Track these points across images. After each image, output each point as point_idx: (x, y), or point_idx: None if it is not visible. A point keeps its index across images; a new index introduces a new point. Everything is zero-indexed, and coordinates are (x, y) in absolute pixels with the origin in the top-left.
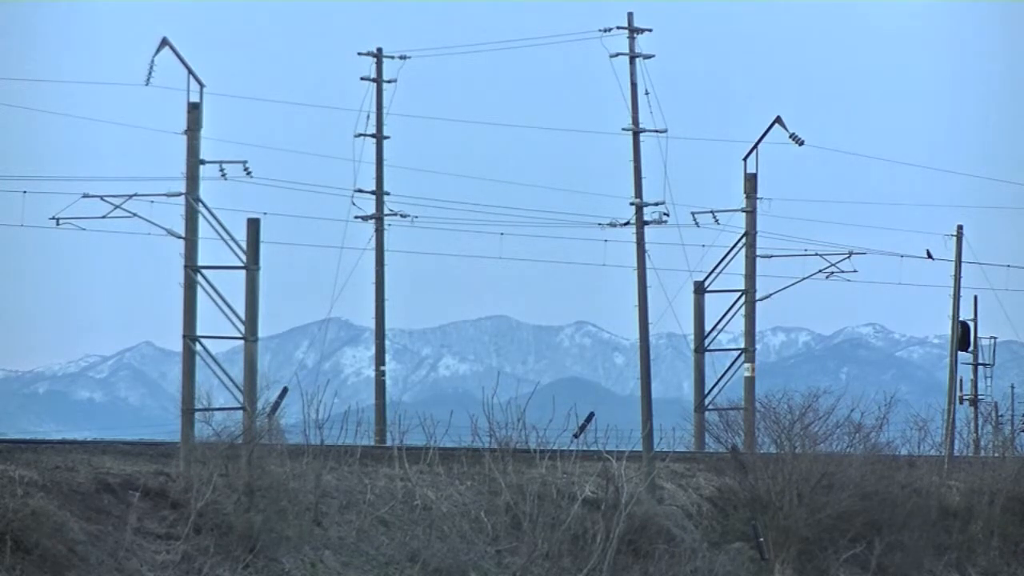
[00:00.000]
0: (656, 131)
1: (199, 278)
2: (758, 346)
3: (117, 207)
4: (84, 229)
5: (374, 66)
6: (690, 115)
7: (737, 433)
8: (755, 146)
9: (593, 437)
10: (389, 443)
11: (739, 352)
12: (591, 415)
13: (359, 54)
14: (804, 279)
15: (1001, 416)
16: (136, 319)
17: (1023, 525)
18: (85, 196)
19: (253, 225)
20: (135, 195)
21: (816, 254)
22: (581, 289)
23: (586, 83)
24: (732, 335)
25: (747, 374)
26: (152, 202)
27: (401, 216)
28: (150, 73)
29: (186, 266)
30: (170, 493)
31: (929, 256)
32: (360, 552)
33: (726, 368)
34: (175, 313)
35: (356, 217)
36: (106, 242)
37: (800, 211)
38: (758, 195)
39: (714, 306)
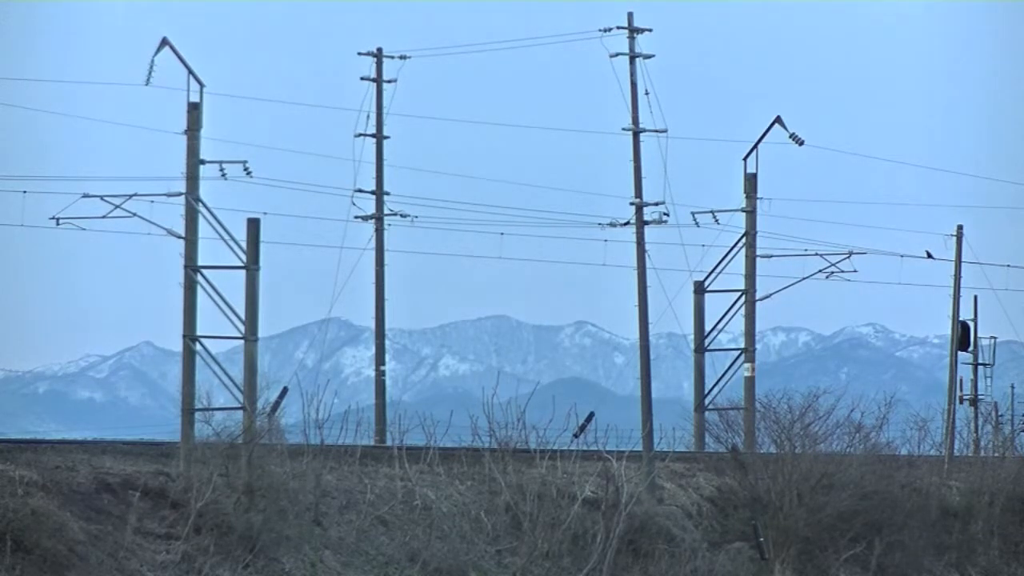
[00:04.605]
0: (656, 131)
1: (199, 278)
2: (758, 346)
3: (117, 207)
4: (84, 229)
5: (374, 66)
6: (690, 115)
7: (737, 433)
8: (755, 146)
9: (593, 437)
10: (389, 443)
11: (739, 352)
12: (591, 415)
13: (359, 54)
14: (804, 279)
15: (1001, 416)
16: (136, 319)
17: (1023, 525)
18: (85, 196)
19: (253, 225)
20: (135, 195)
21: (816, 254)
22: (581, 289)
23: (586, 83)
24: (732, 335)
25: (747, 374)
26: (152, 202)
27: (401, 216)
28: (150, 73)
29: (186, 266)
30: (170, 493)
31: (929, 256)
32: (360, 552)
33: (726, 368)
34: (175, 313)
35: (356, 217)
36: (106, 242)
37: (800, 211)
38: (758, 195)
39: (714, 306)
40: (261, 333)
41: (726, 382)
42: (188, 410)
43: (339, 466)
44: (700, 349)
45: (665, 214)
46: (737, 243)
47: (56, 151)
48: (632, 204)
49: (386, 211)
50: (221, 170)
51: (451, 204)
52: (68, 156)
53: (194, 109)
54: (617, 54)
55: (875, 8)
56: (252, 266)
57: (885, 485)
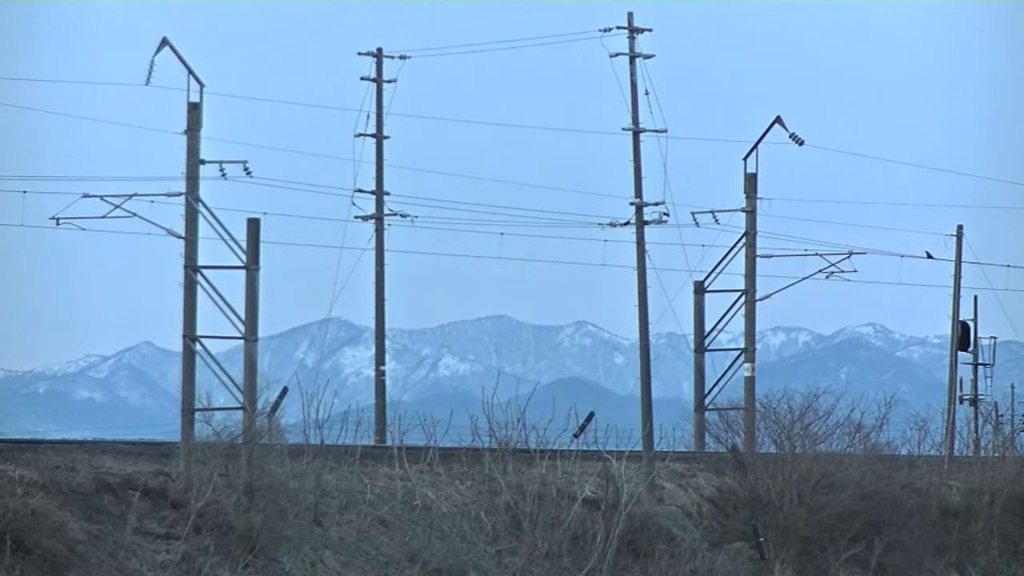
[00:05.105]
0: (656, 131)
1: (199, 278)
2: (758, 346)
3: (117, 207)
4: (84, 229)
5: (374, 66)
6: (690, 115)
7: (737, 433)
8: (755, 146)
9: (593, 437)
10: (389, 443)
11: (739, 352)
12: (591, 415)
13: (359, 54)
14: (804, 279)
15: (1001, 416)
16: (136, 319)
17: (1023, 525)
18: (85, 196)
19: (253, 225)
20: (135, 195)
21: (816, 254)
22: (581, 289)
23: (586, 83)
24: (732, 335)
25: (747, 374)
26: (152, 202)
27: (401, 216)
28: (150, 73)
29: (186, 266)
30: (170, 493)
31: (929, 256)
32: (360, 552)
33: (726, 368)
34: (175, 313)
35: (356, 217)
36: (106, 242)
37: (800, 211)
38: (758, 195)
39: (714, 306)
40: (261, 333)
41: (726, 382)
42: (188, 410)
43: (339, 466)
44: (700, 349)
45: (665, 214)
46: (737, 243)
47: (56, 151)
48: (632, 204)
49: (386, 211)
50: (221, 170)
51: (451, 204)
52: (68, 156)
53: (194, 109)
54: (617, 54)
55: (875, 8)
56: (252, 266)
57: (885, 485)
